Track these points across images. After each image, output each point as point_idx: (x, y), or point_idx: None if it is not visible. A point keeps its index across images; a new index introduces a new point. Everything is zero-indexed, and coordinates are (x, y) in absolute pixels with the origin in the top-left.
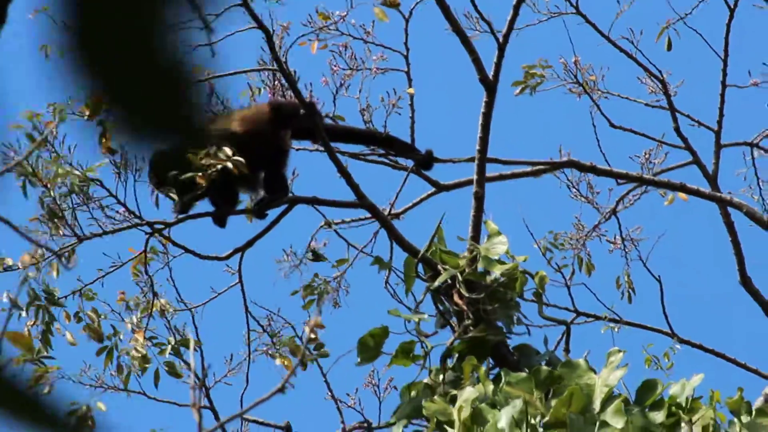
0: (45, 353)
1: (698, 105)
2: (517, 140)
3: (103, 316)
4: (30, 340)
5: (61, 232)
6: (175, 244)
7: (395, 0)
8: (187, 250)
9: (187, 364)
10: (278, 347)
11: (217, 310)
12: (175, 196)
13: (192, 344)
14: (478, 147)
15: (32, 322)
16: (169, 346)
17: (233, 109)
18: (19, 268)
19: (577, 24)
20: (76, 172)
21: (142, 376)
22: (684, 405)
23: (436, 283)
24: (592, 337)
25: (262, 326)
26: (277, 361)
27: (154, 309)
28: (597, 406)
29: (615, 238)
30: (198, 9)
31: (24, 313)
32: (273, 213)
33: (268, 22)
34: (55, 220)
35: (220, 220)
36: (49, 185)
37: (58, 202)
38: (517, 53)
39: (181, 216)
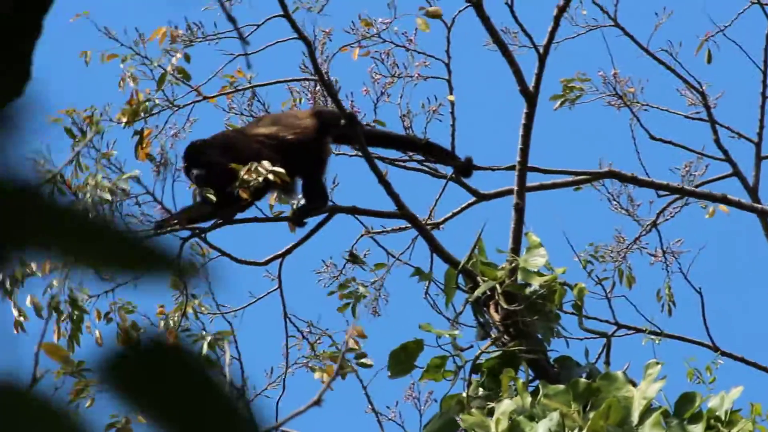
0: (71, 352)
1: (738, 117)
2: (556, 152)
3: (142, 330)
4: (66, 352)
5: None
6: (212, 246)
7: (438, 11)
8: (225, 254)
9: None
10: (320, 358)
11: (255, 316)
12: (211, 197)
13: (227, 350)
14: (518, 158)
15: (63, 318)
16: (207, 340)
17: (275, 113)
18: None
19: (616, 36)
20: (106, 183)
21: None
22: (723, 418)
23: (475, 295)
24: (633, 349)
25: (301, 332)
26: (316, 375)
27: (188, 309)
28: (635, 418)
29: (656, 250)
30: (233, 21)
31: (53, 313)
32: (312, 221)
33: (310, 29)
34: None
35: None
36: (78, 193)
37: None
38: (556, 66)
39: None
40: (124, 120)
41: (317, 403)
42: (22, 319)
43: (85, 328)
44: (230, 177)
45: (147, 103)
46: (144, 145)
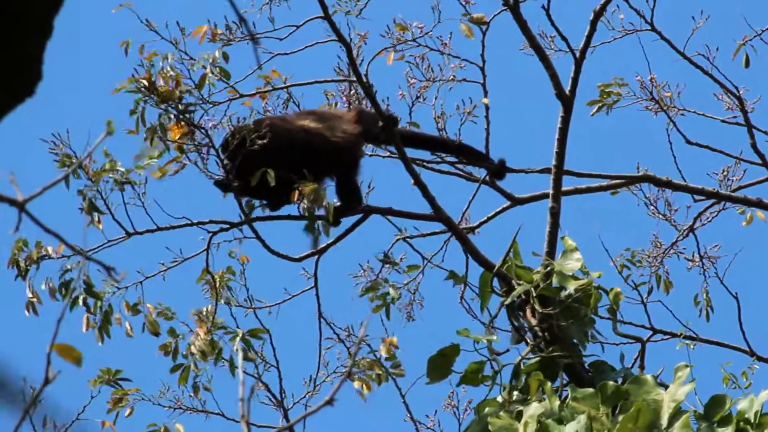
0: (101, 343)
1: None
2: (592, 156)
3: (180, 336)
4: (79, 353)
5: (101, 227)
6: (253, 231)
7: (482, 17)
8: (261, 240)
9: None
10: (359, 366)
11: (290, 313)
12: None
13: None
14: (554, 162)
15: (92, 309)
16: (240, 335)
17: (317, 109)
18: (53, 256)
19: (653, 41)
20: (121, 168)
21: (215, 365)
22: (752, 420)
23: (510, 299)
24: (669, 354)
25: (337, 335)
26: (356, 384)
27: (220, 301)
28: (664, 422)
29: (693, 255)
30: (244, 22)
31: (80, 304)
32: (348, 221)
33: (346, 32)
34: (95, 213)
35: (273, 206)
36: (93, 179)
37: (104, 197)
38: (592, 70)
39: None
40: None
41: (329, 402)
42: (35, 300)
43: (114, 320)
44: (264, 165)
45: (185, 95)
46: (177, 135)
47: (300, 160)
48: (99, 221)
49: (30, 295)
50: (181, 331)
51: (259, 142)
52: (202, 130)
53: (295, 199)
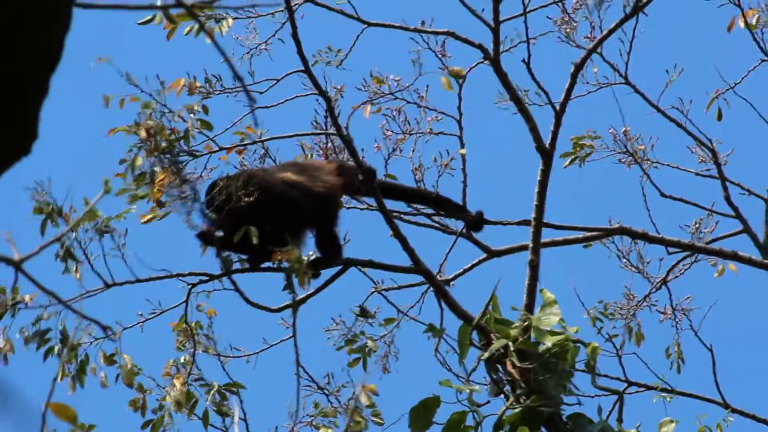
0: (72, 392)
1: (749, 174)
2: (566, 209)
3: (149, 392)
4: (74, 412)
5: (78, 276)
6: (233, 283)
7: (460, 71)
8: (239, 292)
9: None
10: (324, 415)
11: (267, 363)
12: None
13: (235, 412)
14: (533, 215)
15: (67, 359)
16: (215, 388)
17: (298, 161)
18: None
19: (627, 94)
20: (101, 216)
21: (188, 417)
22: None
23: (487, 354)
24: (644, 407)
25: (316, 383)
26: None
27: (197, 350)
28: None
29: (665, 308)
30: (240, 79)
31: (57, 351)
32: (327, 273)
33: (322, 84)
34: (72, 260)
35: (253, 264)
36: (72, 228)
37: (83, 245)
38: (567, 123)
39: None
40: (147, 151)
41: None
42: (7, 348)
43: (89, 370)
44: (246, 220)
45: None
46: (156, 189)
47: (283, 212)
48: (76, 270)
49: (2, 344)
50: (149, 386)
51: (245, 199)
52: (189, 183)
53: (275, 261)
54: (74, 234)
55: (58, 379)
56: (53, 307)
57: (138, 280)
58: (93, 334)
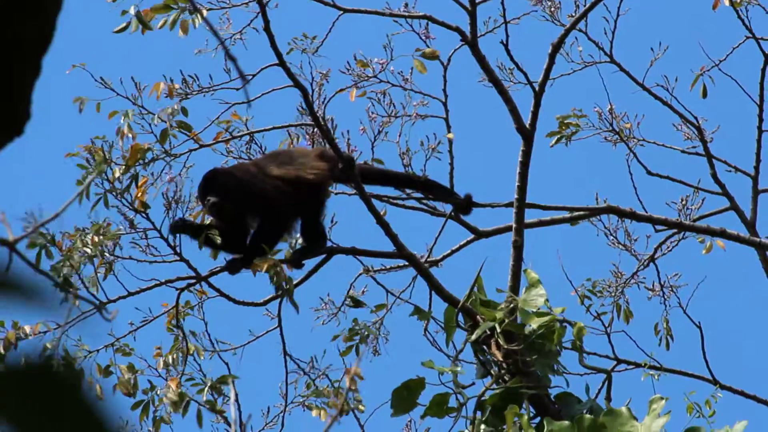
0: None
1: (735, 151)
2: (553, 188)
3: (140, 372)
4: None
5: (76, 303)
6: (212, 286)
7: (434, 52)
8: (223, 295)
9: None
10: (320, 395)
11: (255, 354)
12: (217, 238)
13: (231, 385)
14: (516, 196)
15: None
16: (208, 384)
17: (284, 150)
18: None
19: (612, 72)
20: (95, 238)
21: (183, 417)
22: None
23: (474, 336)
24: (633, 384)
25: (302, 369)
26: (314, 413)
27: (189, 353)
28: None
29: (653, 285)
30: (233, 60)
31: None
32: (311, 262)
33: (307, 70)
34: (69, 288)
35: (232, 271)
36: (65, 255)
37: (78, 270)
38: (552, 102)
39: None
40: (124, 166)
41: None
42: None
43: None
44: (244, 207)
45: (147, 153)
46: (140, 193)
47: (269, 212)
48: (75, 298)
49: None
50: (140, 367)
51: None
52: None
53: (255, 272)
54: (69, 262)
55: None
56: (54, 333)
57: (130, 294)
58: (87, 349)
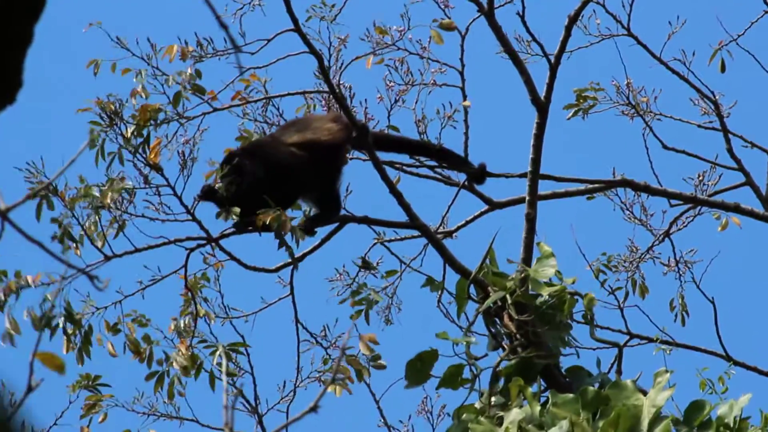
0: (80, 364)
1: (752, 126)
2: (569, 161)
3: (155, 342)
4: (61, 361)
5: (79, 253)
6: (223, 250)
7: (451, 23)
8: (234, 259)
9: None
10: (333, 371)
11: (267, 322)
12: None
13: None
14: (530, 168)
15: (72, 331)
16: (220, 348)
17: (299, 118)
18: (32, 286)
19: (629, 46)
20: (95, 193)
21: (195, 380)
22: (732, 425)
23: (485, 306)
24: (645, 359)
25: (315, 337)
26: (330, 389)
27: (198, 317)
28: (644, 427)
29: (669, 260)
30: (225, 28)
31: (62, 325)
32: (324, 230)
33: (325, 36)
34: (71, 241)
35: (239, 229)
36: (69, 206)
37: (81, 223)
38: (569, 75)
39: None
40: (135, 123)
41: (313, 409)
42: (12, 331)
43: (95, 341)
44: (261, 187)
45: (159, 114)
46: (152, 154)
47: (291, 182)
48: (77, 248)
49: (8, 326)
50: (156, 338)
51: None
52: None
53: (260, 225)
54: (72, 213)
55: (64, 351)
56: (54, 285)
57: (137, 250)
58: (95, 305)
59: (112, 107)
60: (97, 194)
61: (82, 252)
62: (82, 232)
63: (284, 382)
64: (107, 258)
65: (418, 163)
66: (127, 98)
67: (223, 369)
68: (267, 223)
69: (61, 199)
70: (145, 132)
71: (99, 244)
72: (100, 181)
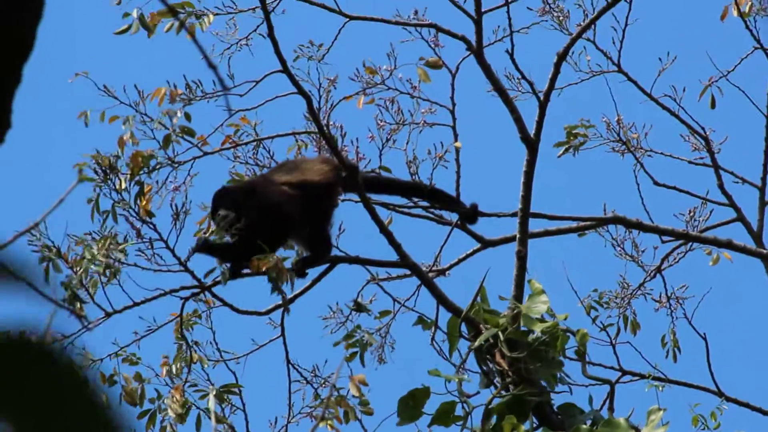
0: None
1: (742, 162)
2: (560, 198)
3: (147, 381)
4: None
5: (83, 314)
6: (215, 296)
7: (438, 61)
8: (226, 304)
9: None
10: (324, 407)
11: (259, 362)
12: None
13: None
14: (520, 206)
15: None
16: (213, 392)
17: (290, 160)
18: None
19: (619, 82)
20: (99, 257)
21: (183, 423)
22: None
23: (477, 343)
24: (638, 396)
25: (305, 378)
26: (321, 425)
27: (192, 362)
28: None
29: (660, 296)
30: (214, 68)
31: None
32: (314, 271)
33: (314, 76)
34: (78, 303)
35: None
36: (74, 267)
37: (84, 284)
38: (560, 112)
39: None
40: (129, 173)
41: None
42: None
43: None
44: (256, 222)
45: (150, 161)
46: (144, 201)
47: (282, 225)
48: (82, 309)
49: None
50: (146, 376)
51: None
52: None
53: (256, 270)
54: (78, 276)
55: None
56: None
57: (136, 304)
58: (91, 357)
59: (108, 162)
60: (95, 252)
61: (85, 308)
62: (87, 294)
63: (276, 418)
64: (108, 315)
65: (411, 204)
66: (116, 149)
67: (212, 417)
68: (264, 269)
69: (65, 261)
70: (137, 178)
71: (92, 292)
72: (95, 236)
